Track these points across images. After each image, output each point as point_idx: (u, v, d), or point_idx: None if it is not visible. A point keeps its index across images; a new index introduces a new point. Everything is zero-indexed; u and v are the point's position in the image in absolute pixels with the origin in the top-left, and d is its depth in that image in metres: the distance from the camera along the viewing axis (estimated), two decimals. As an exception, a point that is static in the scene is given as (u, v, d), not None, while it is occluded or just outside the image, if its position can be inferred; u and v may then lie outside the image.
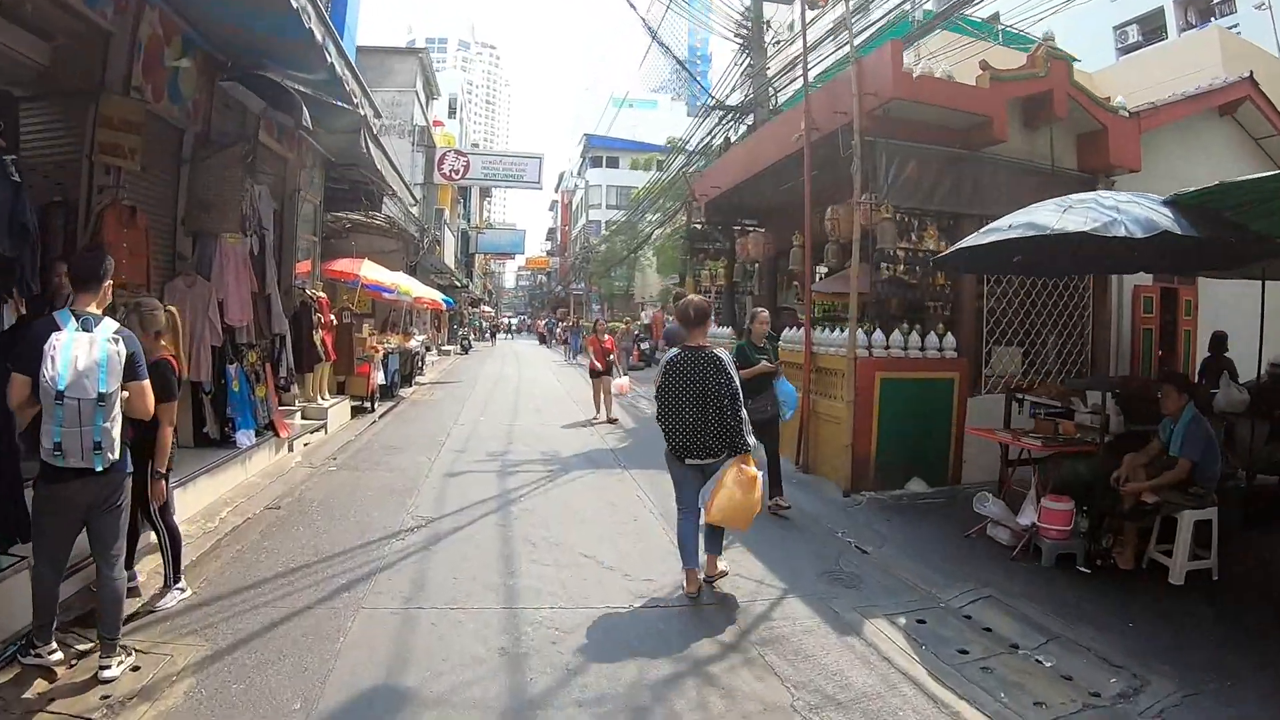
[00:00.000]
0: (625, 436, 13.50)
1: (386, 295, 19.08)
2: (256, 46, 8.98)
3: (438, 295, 23.70)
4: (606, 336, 16.03)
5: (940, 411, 9.99)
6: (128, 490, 4.73)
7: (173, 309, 6.00)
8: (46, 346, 4.23)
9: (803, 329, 11.18)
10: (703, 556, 6.03)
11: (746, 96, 18.99)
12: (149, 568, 6.08)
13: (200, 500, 8.12)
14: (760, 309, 7.77)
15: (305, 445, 11.84)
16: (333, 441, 12.49)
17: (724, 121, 19.89)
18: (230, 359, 9.55)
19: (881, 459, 9.69)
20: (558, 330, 51.83)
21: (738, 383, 5.69)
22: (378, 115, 12.45)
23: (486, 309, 71.71)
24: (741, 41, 18.82)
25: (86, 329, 4.39)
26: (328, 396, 14.21)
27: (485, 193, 64.41)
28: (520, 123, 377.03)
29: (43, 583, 4.51)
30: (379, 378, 17.23)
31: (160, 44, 8.16)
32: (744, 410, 5.72)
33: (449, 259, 32.74)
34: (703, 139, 22.28)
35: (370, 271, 16.84)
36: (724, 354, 5.78)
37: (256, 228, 10.52)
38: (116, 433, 4.44)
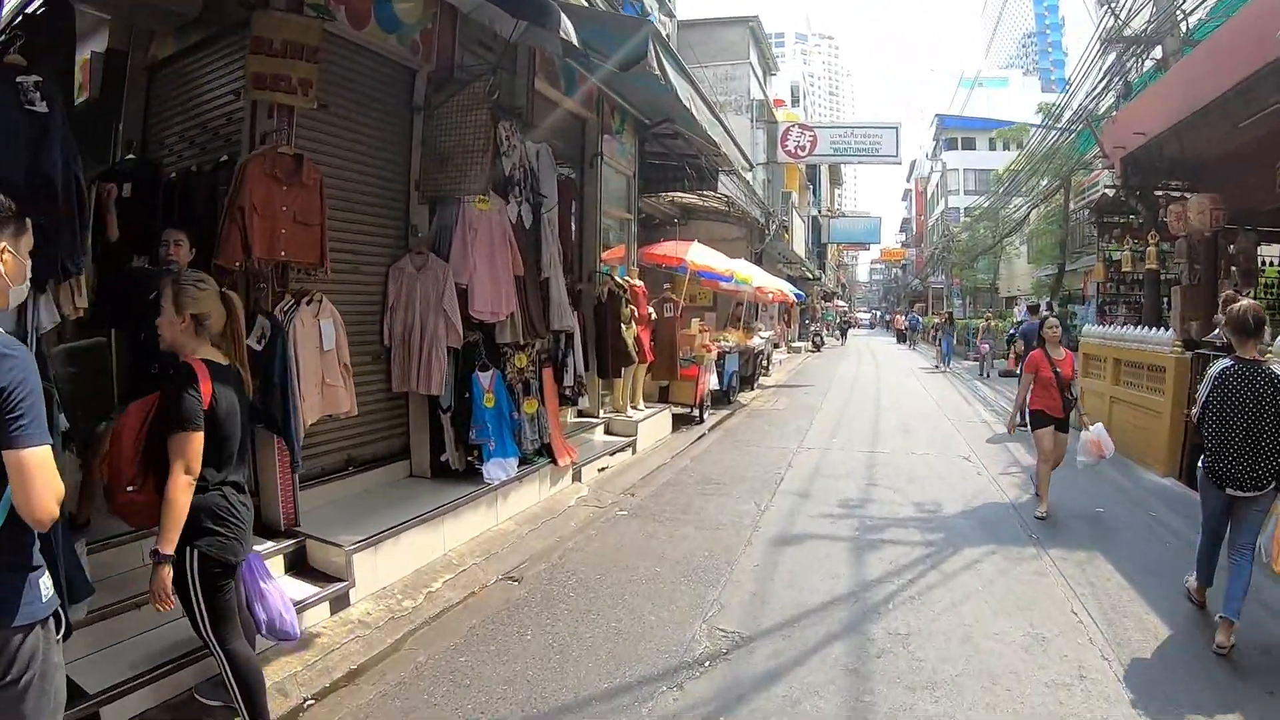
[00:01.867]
0: (1026, 481, 9.46)
1: (723, 284, 16.50)
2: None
3: (785, 286, 20.63)
4: (1063, 352, 8.18)
5: None
6: (35, 654, 2.28)
7: (233, 295, 3.52)
8: None
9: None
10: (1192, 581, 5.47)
11: (1148, 25, 14.29)
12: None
13: (411, 559, 5.79)
14: None
15: (601, 471, 9.40)
16: (638, 466, 9.93)
17: (1124, 59, 15.20)
18: (481, 364, 7.14)
19: None
20: (921, 327, 46.17)
21: None
22: (669, 14, 9.68)
23: (839, 303, 68.08)
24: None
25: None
26: (641, 407, 11.83)
27: (835, 179, 60.37)
28: (865, 111, 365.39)
29: None
30: (710, 382, 14.63)
31: (349, -50, 6.11)
32: None
33: (798, 247, 29.46)
34: (1089, 94, 17.42)
35: (700, 256, 14.22)
36: None
37: (528, 194, 8.12)
38: None
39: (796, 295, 21.99)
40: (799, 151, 26.79)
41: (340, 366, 5.56)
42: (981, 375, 24.47)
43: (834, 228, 50.26)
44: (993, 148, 62.50)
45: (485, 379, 7.10)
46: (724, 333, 17.18)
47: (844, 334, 47.84)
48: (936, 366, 27.02)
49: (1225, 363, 5.08)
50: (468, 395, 6.96)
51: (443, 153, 6.90)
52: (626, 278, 11.28)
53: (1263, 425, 4.82)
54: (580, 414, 10.62)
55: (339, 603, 5.03)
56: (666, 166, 14.33)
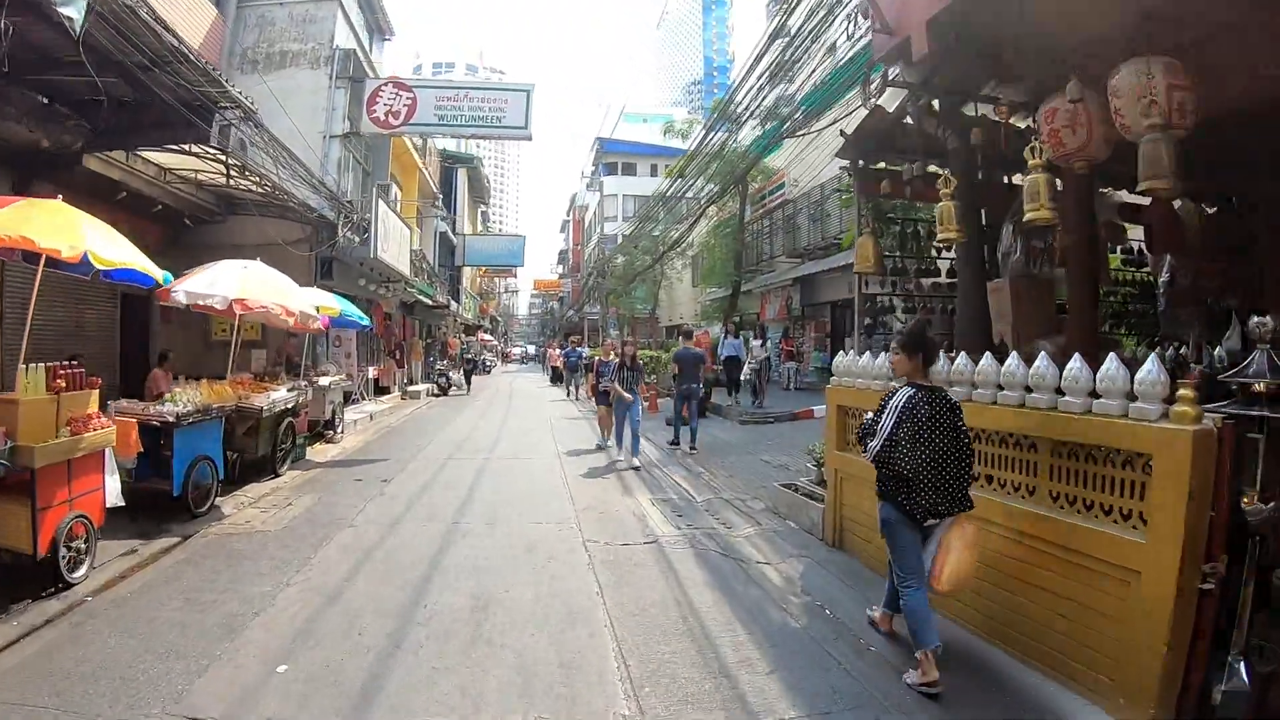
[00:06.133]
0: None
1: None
2: None
3: (310, 303, 11.62)
4: None
5: None
6: None
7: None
8: None
9: None
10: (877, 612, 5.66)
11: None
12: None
13: None
14: None
15: None
16: None
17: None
18: None
19: None
20: (582, 365, 29.29)
21: None
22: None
23: (486, 337, 61.06)
24: None
25: None
26: None
27: (476, 192, 52.54)
28: (532, 151, 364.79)
29: None
30: (108, 492, 7.18)
31: None
32: None
33: (400, 261, 21.01)
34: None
35: (19, 224, 6.33)
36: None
37: None
38: None
39: (348, 321, 14.25)
40: (391, 119, 19.08)
41: None
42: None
43: (470, 248, 42.74)
44: (654, 173, 59.90)
45: None
46: (182, 388, 9.35)
47: (468, 378, 33.71)
48: (602, 447, 15.13)
49: (909, 391, 4.96)
50: None
51: None
52: None
53: (946, 452, 4.83)
54: None
55: None
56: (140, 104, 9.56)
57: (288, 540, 8.01)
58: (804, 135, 15.88)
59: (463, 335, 46.40)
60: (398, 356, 27.41)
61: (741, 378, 20.19)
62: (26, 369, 6.68)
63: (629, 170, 66.83)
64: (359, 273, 19.62)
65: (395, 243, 19.95)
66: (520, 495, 10.57)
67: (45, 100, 9.85)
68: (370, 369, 22.72)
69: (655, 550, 7.77)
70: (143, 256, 7.54)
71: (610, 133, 67.53)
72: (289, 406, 11.76)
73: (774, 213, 28.99)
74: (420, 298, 27.65)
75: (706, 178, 24.88)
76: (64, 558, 6.54)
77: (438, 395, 28.80)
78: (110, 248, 6.93)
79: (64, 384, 6.93)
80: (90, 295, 13.72)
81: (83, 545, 6.84)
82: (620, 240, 50.00)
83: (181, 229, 15.06)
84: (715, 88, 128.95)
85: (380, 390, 24.67)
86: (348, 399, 19.40)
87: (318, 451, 14.03)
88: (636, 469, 12.34)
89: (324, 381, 14.80)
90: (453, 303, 37.85)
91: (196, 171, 13.49)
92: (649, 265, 37.72)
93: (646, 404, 14.11)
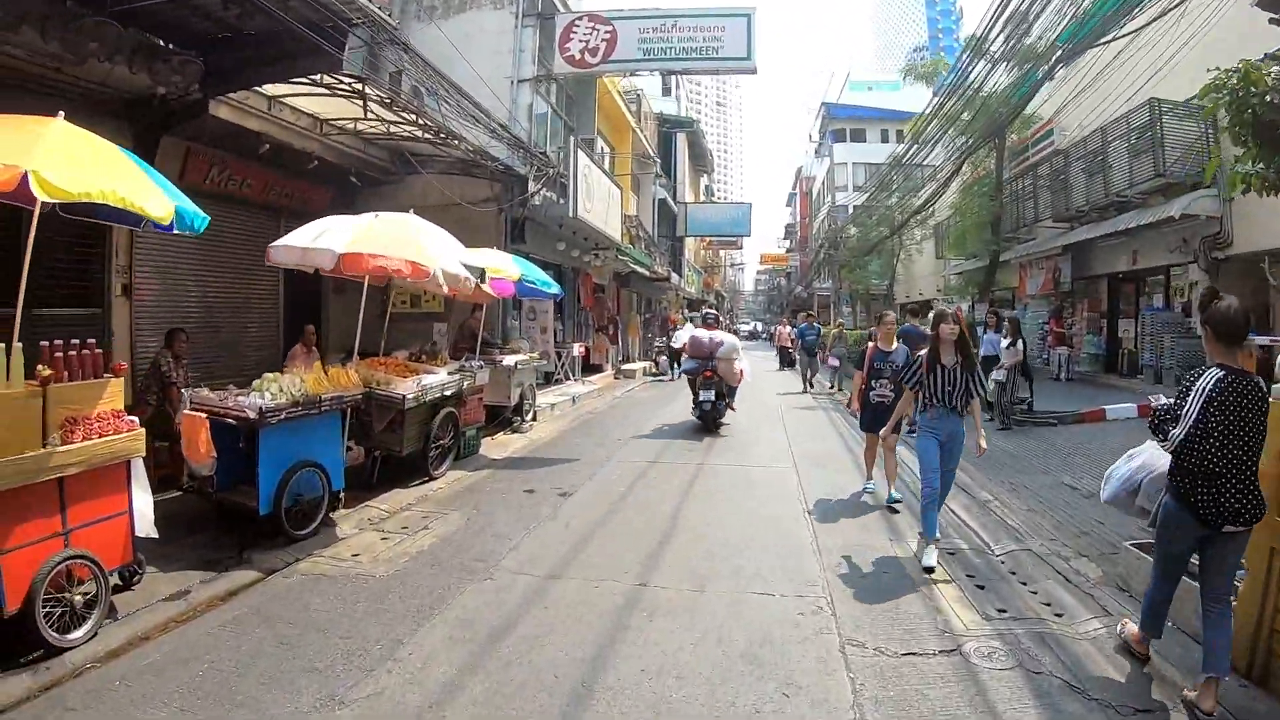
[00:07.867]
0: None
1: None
2: None
3: (476, 262, 9.14)
4: None
5: None
6: None
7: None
8: None
9: None
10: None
11: None
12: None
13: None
14: None
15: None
16: None
17: None
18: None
19: None
20: (818, 344, 22.68)
21: None
22: None
23: (711, 312, 58.15)
24: None
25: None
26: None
27: (699, 160, 49.77)
28: (754, 123, 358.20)
29: None
30: (140, 516, 5.26)
31: None
32: None
33: (607, 224, 18.61)
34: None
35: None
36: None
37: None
38: None
39: (528, 288, 11.50)
40: (589, 57, 16.61)
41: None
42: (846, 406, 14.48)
43: (692, 217, 40.18)
44: (884, 139, 55.83)
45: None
46: (298, 371, 7.16)
47: (673, 362, 25.36)
48: (865, 494, 9.05)
49: (1217, 373, 4.02)
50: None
51: None
52: None
53: (1253, 447, 3.99)
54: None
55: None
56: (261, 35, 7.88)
57: (391, 596, 5.51)
58: (1114, 40, 12.20)
59: (685, 310, 43.65)
60: (611, 332, 25.23)
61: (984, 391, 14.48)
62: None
63: (858, 136, 62.57)
64: (558, 236, 17.37)
65: (601, 203, 17.52)
66: (741, 534, 7.39)
67: (155, 39, 7.95)
68: (576, 346, 20.42)
69: (961, 672, 4.48)
70: (138, 188, 4.87)
71: (836, 99, 63.51)
72: (448, 393, 9.41)
73: (1037, 168, 24.22)
74: (635, 268, 25.33)
75: (957, 130, 21.20)
76: (47, 615, 4.40)
77: (651, 379, 26.10)
78: (70, 172, 4.38)
79: (51, 373, 4.68)
80: (255, 265, 12.10)
81: (84, 596, 4.65)
82: (851, 211, 46.11)
83: (350, 190, 13.21)
84: (941, 50, 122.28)
85: (591, 369, 22.51)
86: (548, 379, 17.29)
87: (498, 444, 11.80)
88: (930, 571, 6.24)
89: (509, 361, 12.48)
90: (674, 275, 35.47)
91: (355, 120, 11.50)
92: (886, 236, 33.97)
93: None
